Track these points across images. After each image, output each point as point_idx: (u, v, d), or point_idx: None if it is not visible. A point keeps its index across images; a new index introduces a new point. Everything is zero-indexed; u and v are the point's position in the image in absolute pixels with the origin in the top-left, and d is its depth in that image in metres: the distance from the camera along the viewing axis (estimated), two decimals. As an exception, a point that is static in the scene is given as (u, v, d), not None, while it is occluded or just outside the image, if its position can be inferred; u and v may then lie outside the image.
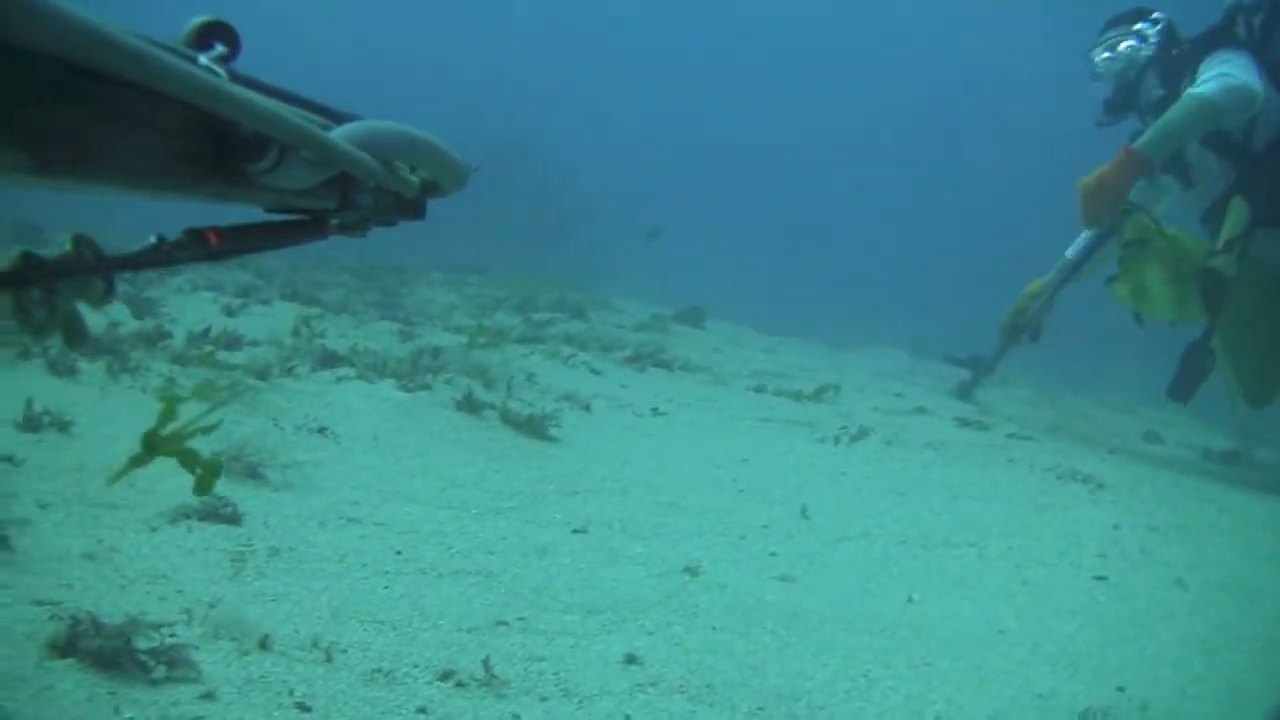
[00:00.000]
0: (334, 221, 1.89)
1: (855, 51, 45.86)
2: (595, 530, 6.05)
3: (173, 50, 1.40)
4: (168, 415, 4.92)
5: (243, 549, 5.07)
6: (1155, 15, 10.14)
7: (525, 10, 44.82)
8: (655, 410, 9.02)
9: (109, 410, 6.23)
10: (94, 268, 1.44)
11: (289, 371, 7.88)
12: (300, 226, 1.82)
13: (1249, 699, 4.85)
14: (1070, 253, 11.36)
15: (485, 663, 4.30)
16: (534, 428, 7.70)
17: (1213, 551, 6.70)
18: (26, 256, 1.34)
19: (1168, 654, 5.23)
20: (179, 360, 7.44)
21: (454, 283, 15.73)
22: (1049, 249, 11.60)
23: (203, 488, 5.29)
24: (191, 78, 1.25)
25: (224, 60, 1.52)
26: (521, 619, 4.92)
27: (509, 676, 4.30)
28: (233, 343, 8.35)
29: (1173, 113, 9.31)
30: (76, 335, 1.49)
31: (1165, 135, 9.31)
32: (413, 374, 8.29)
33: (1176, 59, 9.87)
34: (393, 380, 8.09)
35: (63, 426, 5.80)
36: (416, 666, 4.28)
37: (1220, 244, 9.47)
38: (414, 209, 2.06)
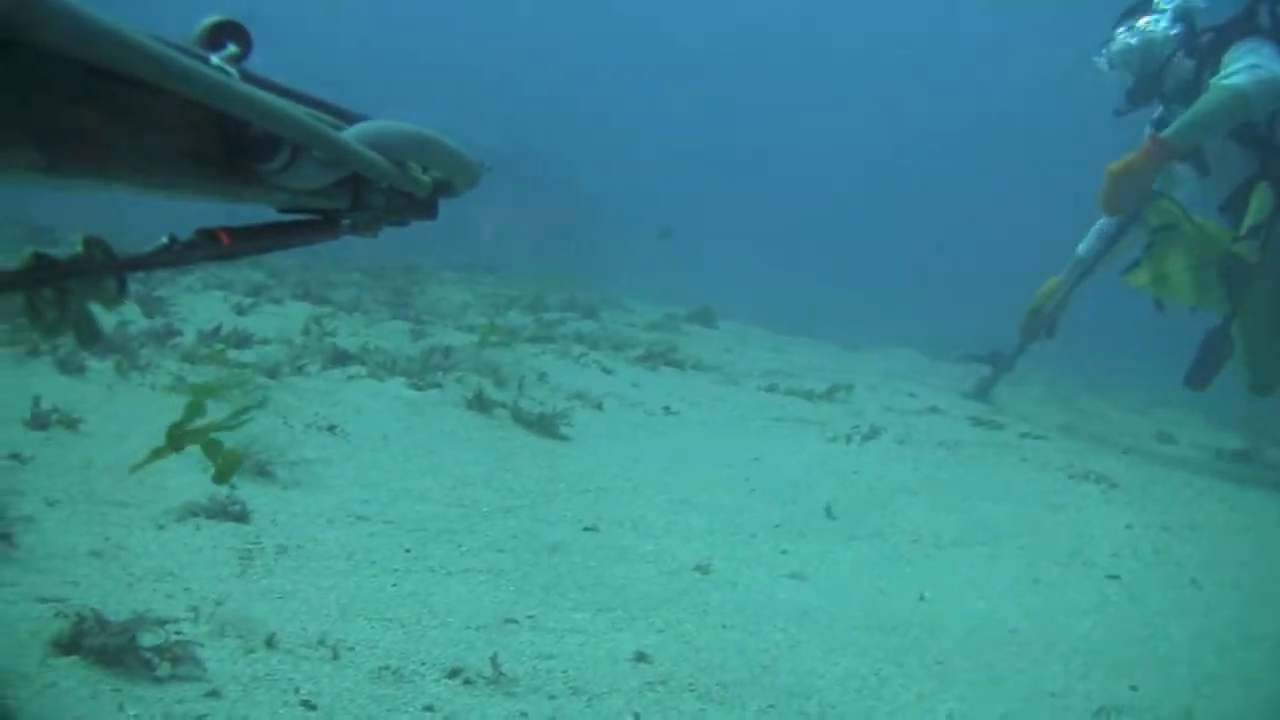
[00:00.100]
0: (346, 221, 1.87)
1: (864, 50, 45.84)
2: (606, 528, 6.03)
3: (184, 50, 1.39)
4: (195, 408, 4.93)
5: (250, 547, 5.05)
6: (1163, 6, 10.06)
7: (529, 10, 44.86)
8: (667, 409, 9.00)
9: (117, 408, 6.22)
10: (106, 268, 1.43)
11: (299, 370, 7.87)
12: (312, 226, 1.81)
13: (1263, 698, 4.81)
14: (1081, 249, 11.31)
15: (494, 660, 4.28)
16: (545, 426, 7.69)
17: (1226, 551, 6.65)
18: (38, 257, 1.33)
19: (1181, 653, 5.19)
20: (189, 359, 7.43)
21: (466, 282, 15.72)
22: (1064, 246, 11.55)
23: (223, 476, 5.30)
24: (204, 78, 1.25)
25: (235, 60, 1.51)
26: (531, 617, 4.90)
27: (517, 674, 4.27)
28: (243, 341, 8.34)
29: (1203, 103, 9.24)
30: (89, 335, 1.48)
31: (1195, 125, 9.26)
32: (423, 372, 8.28)
33: (1203, 45, 9.79)
34: (403, 379, 8.09)
35: (71, 424, 5.79)
36: (424, 664, 4.25)
37: (1244, 231, 9.44)
38: (426, 209, 2.04)
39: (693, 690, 4.32)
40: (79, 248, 1.40)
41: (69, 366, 6.47)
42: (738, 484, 6.96)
